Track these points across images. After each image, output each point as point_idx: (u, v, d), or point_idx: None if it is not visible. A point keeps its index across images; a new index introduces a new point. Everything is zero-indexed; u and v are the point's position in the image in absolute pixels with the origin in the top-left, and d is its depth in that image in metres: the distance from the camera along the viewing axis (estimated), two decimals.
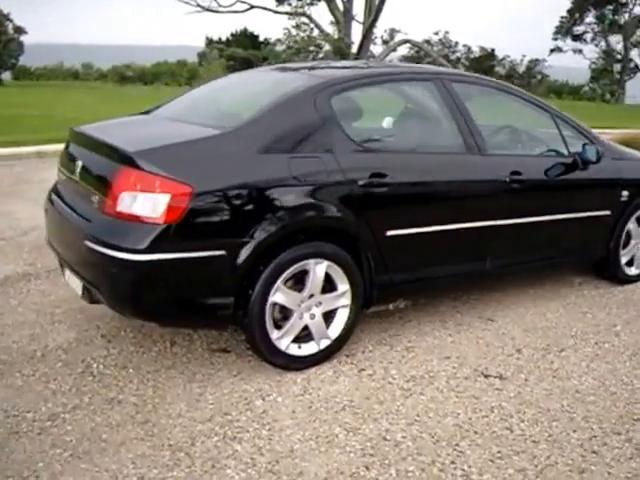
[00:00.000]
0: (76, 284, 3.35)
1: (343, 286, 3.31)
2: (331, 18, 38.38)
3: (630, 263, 4.66)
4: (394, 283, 3.52)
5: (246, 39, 39.69)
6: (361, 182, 3.28)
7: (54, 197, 3.70)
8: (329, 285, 3.30)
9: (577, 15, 46.72)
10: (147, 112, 4.11)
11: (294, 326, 3.23)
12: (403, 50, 42.00)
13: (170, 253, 2.89)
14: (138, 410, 2.91)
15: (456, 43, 43.31)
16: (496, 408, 3.00)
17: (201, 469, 2.50)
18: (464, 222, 3.65)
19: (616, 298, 4.45)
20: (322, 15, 49.46)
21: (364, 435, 2.75)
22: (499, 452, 2.66)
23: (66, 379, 3.18)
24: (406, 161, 3.53)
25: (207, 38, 39.75)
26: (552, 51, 47.84)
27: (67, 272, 3.49)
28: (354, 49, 37.49)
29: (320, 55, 39.52)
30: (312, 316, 3.27)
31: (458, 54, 43.01)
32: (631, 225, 4.55)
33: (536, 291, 4.52)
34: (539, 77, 43.67)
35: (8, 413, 2.87)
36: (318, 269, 3.21)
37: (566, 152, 4.14)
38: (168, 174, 2.88)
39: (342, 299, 3.33)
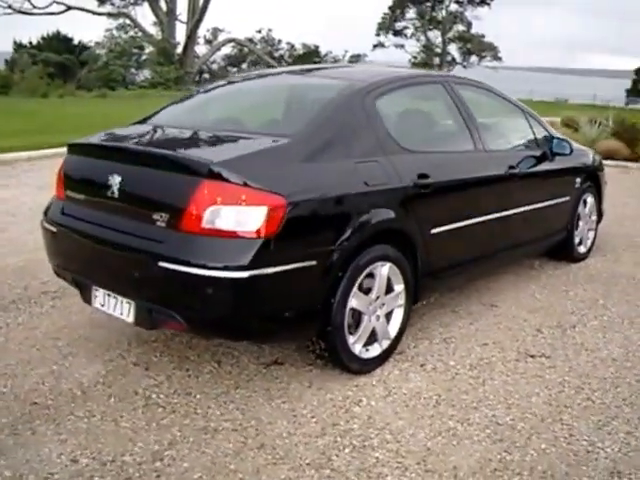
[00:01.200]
0: (123, 309, 3.06)
1: (399, 286, 3.37)
2: (154, 19, 37.26)
3: (580, 243, 5.24)
4: (436, 277, 3.67)
5: (59, 43, 37.03)
6: (411, 183, 3.37)
7: (66, 219, 3.32)
8: (387, 286, 3.35)
9: (398, 12, 50.00)
10: (144, 121, 3.82)
11: (365, 329, 3.24)
12: (226, 49, 41.99)
13: (270, 267, 2.75)
14: (244, 435, 2.74)
15: (279, 41, 44.15)
16: (564, 383, 3.26)
17: None
18: (484, 215, 3.90)
19: (580, 275, 4.99)
20: (147, 15, 47.54)
21: (478, 424, 2.86)
22: (599, 420, 2.91)
23: (136, 414, 2.89)
24: (442, 161, 3.69)
25: (15, 42, 36.50)
26: (375, 47, 50.62)
27: (100, 297, 3.17)
28: (179, 49, 36.75)
29: (143, 57, 38.16)
30: (377, 318, 3.30)
31: (281, 51, 43.86)
32: (580, 208, 5.12)
33: (510, 277, 4.90)
34: None
35: (101, 460, 2.56)
36: (383, 271, 3.25)
37: (538, 145, 4.59)
38: (260, 185, 2.75)
39: (398, 299, 3.40)
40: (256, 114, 3.82)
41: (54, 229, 3.39)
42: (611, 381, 3.29)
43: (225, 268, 2.69)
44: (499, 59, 49.64)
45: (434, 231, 3.53)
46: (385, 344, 3.37)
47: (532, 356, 3.56)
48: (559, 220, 4.89)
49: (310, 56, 41.30)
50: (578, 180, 4.96)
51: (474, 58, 50.15)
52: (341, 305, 3.05)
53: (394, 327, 3.41)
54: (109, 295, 3.14)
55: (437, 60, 48.71)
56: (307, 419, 2.88)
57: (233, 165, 2.81)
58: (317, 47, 43.64)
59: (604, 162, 5.81)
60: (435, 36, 50.13)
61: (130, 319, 3.06)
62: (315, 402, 3.03)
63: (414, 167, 3.43)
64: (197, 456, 2.59)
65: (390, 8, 50.13)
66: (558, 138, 4.62)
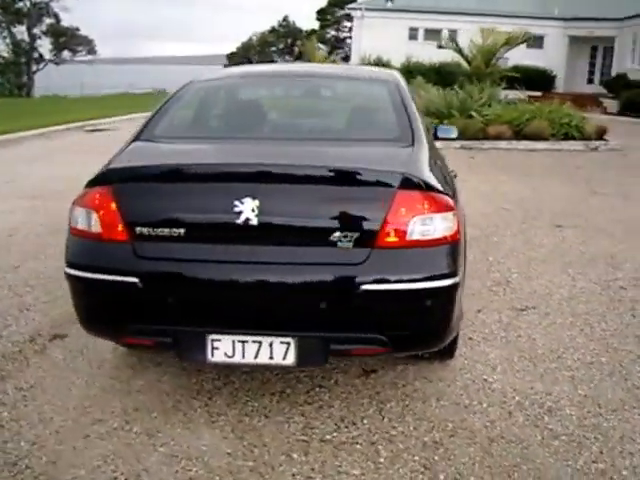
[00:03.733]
0: (275, 352, 2.73)
1: None
2: None
3: None
4: None
5: None
6: None
7: (150, 263, 2.74)
8: None
9: None
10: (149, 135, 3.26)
11: None
12: None
13: (460, 271, 2.85)
14: (396, 445, 2.79)
15: None
16: None
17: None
18: None
19: None
20: None
21: None
22: None
23: None
24: None
25: None
26: None
27: (225, 346, 2.73)
28: None
29: None
30: None
31: None
32: None
33: None
34: None
35: None
36: None
37: None
38: (442, 191, 2.80)
39: None
40: (315, 119, 3.62)
41: (127, 279, 2.73)
42: None
43: (439, 277, 2.70)
44: (95, 52, 48.39)
45: None
46: None
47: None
48: None
49: None
50: None
51: (67, 53, 47.73)
52: None
53: None
54: (243, 342, 2.73)
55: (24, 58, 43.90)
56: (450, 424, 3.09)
57: (418, 173, 2.79)
58: None
59: None
60: (21, 32, 45.61)
61: (288, 361, 2.74)
62: (444, 402, 3.24)
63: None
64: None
65: None
66: None
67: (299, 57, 20.74)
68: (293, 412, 3.05)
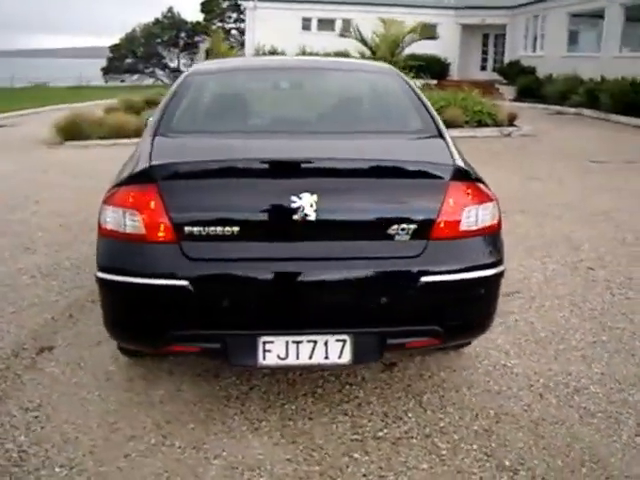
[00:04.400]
0: (330, 351, 2.67)
1: None
2: None
3: None
4: None
5: None
6: None
7: (202, 265, 2.59)
8: None
9: None
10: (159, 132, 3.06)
11: None
12: None
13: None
14: (450, 436, 2.84)
15: None
16: None
17: None
18: None
19: None
20: None
21: None
22: None
23: None
24: None
25: None
26: None
27: (277, 348, 2.64)
28: None
29: None
30: None
31: None
32: None
33: None
34: None
35: None
36: None
37: None
38: (485, 182, 2.83)
39: None
40: (337, 112, 3.52)
41: (175, 282, 2.56)
42: None
43: (489, 265, 2.76)
44: None
45: None
46: None
47: None
48: None
49: None
50: None
51: None
52: None
53: None
54: (297, 342, 2.65)
55: None
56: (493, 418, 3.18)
57: (463, 165, 2.83)
58: None
59: None
60: None
61: (344, 359, 2.69)
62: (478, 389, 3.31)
63: None
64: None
65: None
66: None
67: (208, 53, 20.14)
68: (334, 412, 2.99)
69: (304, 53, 25.45)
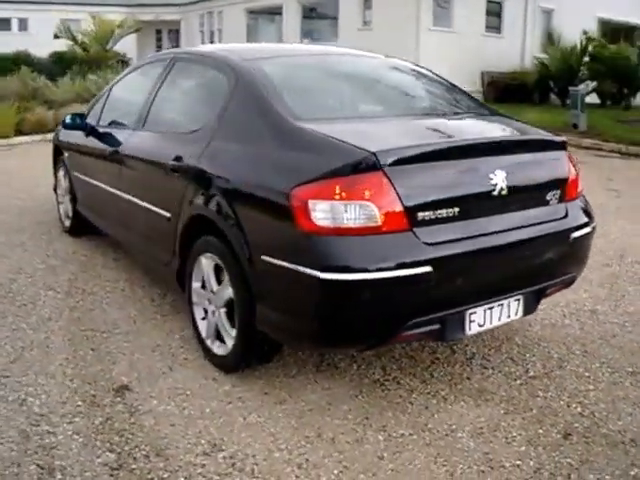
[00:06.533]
0: (511, 310, 2.94)
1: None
2: None
3: None
4: None
5: None
6: None
7: (439, 248, 2.61)
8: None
9: None
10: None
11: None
12: None
13: None
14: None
15: None
16: None
17: None
18: None
19: None
20: None
21: None
22: None
23: None
24: None
25: None
26: None
27: (479, 318, 2.82)
28: None
29: None
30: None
31: None
32: None
33: None
34: None
35: None
36: None
37: None
38: None
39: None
40: (417, 96, 3.74)
41: (418, 270, 2.51)
42: None
43: (594, 219, 3.30)
44: None
45: None
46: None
47: None
48: None
49: None
50: None
51: None
52: None
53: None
54: (490, 308, 2.88)
55: None
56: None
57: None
58: None
59: None
60: None
61: (519, 314, 3.02)
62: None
63: None
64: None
65: None
66: None
67: None
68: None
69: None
